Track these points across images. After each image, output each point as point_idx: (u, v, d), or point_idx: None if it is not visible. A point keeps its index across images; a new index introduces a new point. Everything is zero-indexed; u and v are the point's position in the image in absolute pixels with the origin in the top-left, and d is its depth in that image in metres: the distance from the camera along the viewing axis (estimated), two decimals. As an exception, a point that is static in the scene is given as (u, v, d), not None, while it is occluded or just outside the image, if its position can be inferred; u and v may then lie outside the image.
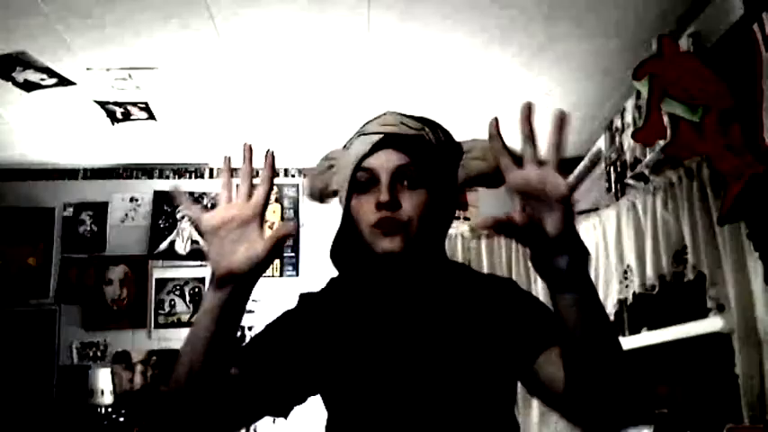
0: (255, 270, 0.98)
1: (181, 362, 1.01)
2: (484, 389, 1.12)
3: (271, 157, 1.01)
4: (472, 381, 1.11)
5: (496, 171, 1.04)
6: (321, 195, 1.22)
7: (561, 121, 0.92)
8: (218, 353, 1.01)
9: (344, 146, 1.20)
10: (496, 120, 1.00)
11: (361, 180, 1.12)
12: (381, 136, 1.12)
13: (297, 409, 1.20)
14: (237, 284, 0.99)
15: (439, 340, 1.12)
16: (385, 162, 1.11)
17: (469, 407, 1.10)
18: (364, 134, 1.15)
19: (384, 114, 1.18)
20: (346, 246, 1.19)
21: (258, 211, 0.99)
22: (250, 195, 1.00)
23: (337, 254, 1.21)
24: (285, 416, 1.19)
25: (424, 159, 1.12)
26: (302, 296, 1.24)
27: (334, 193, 1.20)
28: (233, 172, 1.03)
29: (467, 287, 1.19)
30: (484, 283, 1.22)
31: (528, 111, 0.93)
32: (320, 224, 4.28)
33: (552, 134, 0.92)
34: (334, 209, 1.20)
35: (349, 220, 1.15)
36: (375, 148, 1.12)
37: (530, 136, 0.93)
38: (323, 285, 1.27)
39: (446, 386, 1.10)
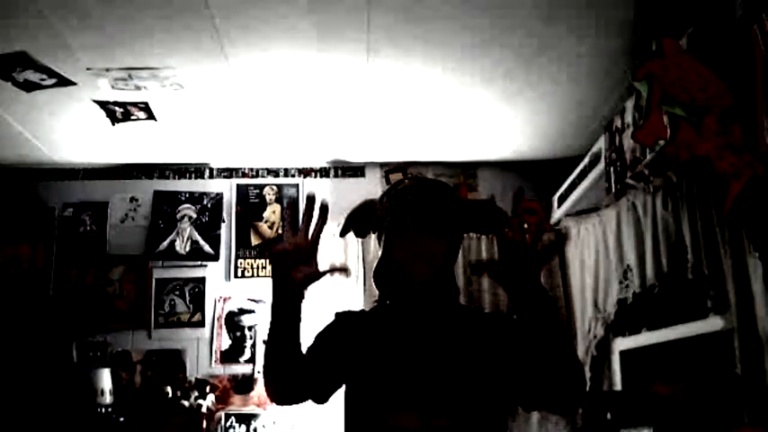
0: (308, 284, 1.40)
1: (269, 351, 1.45)
2: (485, 398, 1.45)
3: (323, 208, 1.42)
4: (476, 386, 1.44)
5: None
6: (362, 233, 1.66)
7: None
8: (293, 342, 1.44)
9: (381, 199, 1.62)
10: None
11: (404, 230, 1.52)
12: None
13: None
14: (297, 295, 1.41)
15: (455, 350, 1.48)
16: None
17: (471, 412, 1.42)
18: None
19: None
20: (386, 274, 1.59)
21: (315, 248, 1.41)
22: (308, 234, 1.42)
23: (379, 280, 1.61)
24: (324, 402, 1.55)
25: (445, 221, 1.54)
26: (337, 314, 1.62)
27: (372, 232, 1.64)
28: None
29: (472, 313, 1.65)
30: (485, 315, 1.72)
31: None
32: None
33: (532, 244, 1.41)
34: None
35: (389, 255, 1.55)
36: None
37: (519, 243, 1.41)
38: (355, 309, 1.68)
39: (456, 387, 1.43)
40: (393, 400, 1.42)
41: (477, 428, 1.42)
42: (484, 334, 1.52)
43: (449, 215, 1.55)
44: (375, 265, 1.62)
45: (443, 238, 1.53)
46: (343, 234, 1.71)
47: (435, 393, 1.41)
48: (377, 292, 1.65)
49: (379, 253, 1.61)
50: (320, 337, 1.58)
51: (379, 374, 1.47)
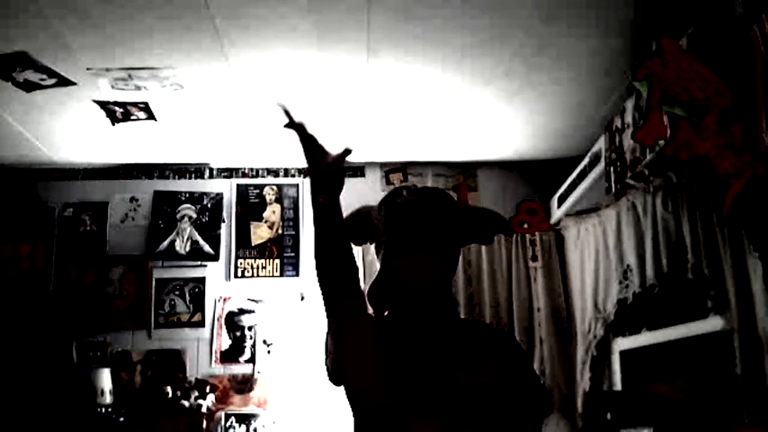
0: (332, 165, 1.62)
1: (318, 244, 1.53)
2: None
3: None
4: (497, 397, 1.44)
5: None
6: (359, 241, 1.65)
7: None
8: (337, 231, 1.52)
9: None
10: None
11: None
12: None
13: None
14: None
15: (475, 361, 1.46)
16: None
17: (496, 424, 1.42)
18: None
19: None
20: (382, 291, 1.56)
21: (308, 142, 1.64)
22: None
23: (375, 296, 1.57)
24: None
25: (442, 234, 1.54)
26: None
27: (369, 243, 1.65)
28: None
29: (476, 326, 1.66)
30: (488, 328, 1.71)
31: None
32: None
33: None
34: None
35: (388, 272, 1.53)
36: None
37: None
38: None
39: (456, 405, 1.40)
40: (416, 408, 1.39)
41: None
42: (494, 347, 1.52)
43: (448, 233, 1.53)
44: (372, 280, 1.60)
45: (442, 256, 1.52)
46: None
47: (461, 403, 1.40)
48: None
49: (377, 266, 1.59)
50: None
51: (401, 381, 1.42)
